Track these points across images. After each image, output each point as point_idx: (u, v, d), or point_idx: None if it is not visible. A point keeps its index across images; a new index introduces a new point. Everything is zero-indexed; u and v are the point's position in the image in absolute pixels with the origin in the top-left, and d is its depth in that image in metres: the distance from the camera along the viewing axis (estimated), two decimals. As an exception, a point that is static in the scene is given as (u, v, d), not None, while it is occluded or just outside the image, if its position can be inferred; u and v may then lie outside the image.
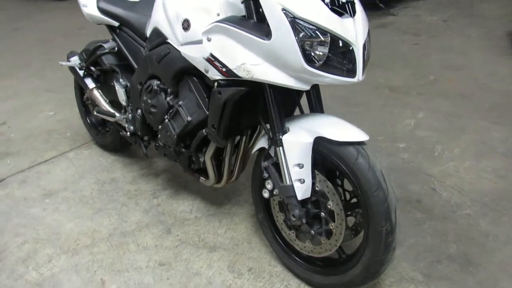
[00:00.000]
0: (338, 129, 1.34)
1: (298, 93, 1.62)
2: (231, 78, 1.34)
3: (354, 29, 1.25)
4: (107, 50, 2.00)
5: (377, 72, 3.46)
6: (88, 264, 1.74)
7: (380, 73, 3.47)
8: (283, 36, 1.18)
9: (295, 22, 1.16)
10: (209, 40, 1.35)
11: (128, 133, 1.95)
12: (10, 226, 1.98)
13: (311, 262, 1.54)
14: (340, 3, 1.25)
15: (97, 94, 2.11)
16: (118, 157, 2.48)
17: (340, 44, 1.22)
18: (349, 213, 1.42)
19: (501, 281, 1.55)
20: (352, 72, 1.26)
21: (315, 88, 1.52)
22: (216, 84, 1.41)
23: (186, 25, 1.46)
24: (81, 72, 2.16)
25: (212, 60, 1.36)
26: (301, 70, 1.21)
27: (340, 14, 1.24)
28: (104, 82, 2.12)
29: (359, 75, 1.27)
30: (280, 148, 1.38)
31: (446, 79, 3.26)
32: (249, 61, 1.27)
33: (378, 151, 2.37)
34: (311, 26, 1.18)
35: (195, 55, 1.43)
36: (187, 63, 1.49)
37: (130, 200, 2.12)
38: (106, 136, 2.42)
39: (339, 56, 1.23)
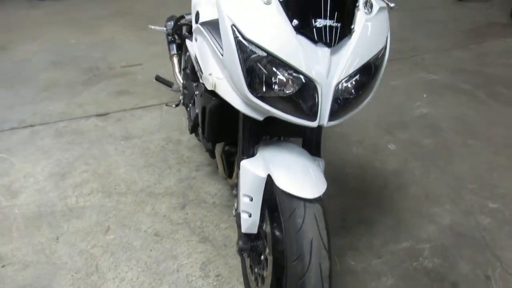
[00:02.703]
0: (292, 174, 1.13)
1: None
2: None
3: (326, 62, 0.99)
4: (186, 22, 2.07)
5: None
6: (109, 210, 1.98)
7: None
8: (230, 55, 1.03)
9: (241, 43, 0.99)
10: (196, 40, 1.28)
11: (174, 105, 2.05)
12: (87, 154, 2.39)
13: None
14: (317, 27, 0.99)
15: (174, 60, 2.25)
16: (196, 121, 2.63)
17: (299, 78, 0.99)
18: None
19: None
20: (311, 115, 1.02)
21: None
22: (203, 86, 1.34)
23: (197, 18, 1.40)
24: (169, 38, 2.32)
25: (196, 61, 1.29)
26: (245, 97, 1.05)
27: (316, 41, 1.00)
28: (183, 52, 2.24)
29: (323, 120, 1.03)
30: (239, 171, 1.25)
31: None
32: (215, 73, 1.16)
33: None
34: (260, 52, 0.98)
35: (191, 51, 1.37)
36: None
37: (178, 165, 2.26)
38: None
39: (295, 92, 1.00)
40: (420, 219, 1.84)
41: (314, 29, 0.99)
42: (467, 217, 1.84)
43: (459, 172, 2.11)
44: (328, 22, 1.00)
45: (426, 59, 3.35)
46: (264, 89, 1.01)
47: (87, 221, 1.92)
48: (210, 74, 1.18)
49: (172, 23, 2.35)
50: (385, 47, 1.12)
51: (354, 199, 1.99)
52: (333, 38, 1.01)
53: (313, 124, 1.03)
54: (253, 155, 1.25)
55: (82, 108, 2.86)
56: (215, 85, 1.17)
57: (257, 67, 1.00)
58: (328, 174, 2.12)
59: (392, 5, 1.34)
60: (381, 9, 1.12)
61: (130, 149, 2.42)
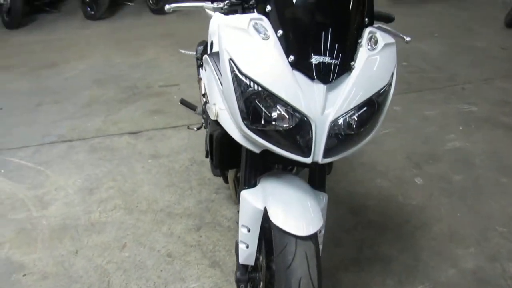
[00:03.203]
0: (287, 208, 1.11)
1: None
2: None
3: (322, 98, 0.99)
4: (213, 48, 2.13)
5: None
6: (128, 226, 2.04)
7: None
8: (227, 88, 1.05)
9: (238, 76, 1.01)
10: (205, 70, 1.31)
11: (195, 128, 2.09)
12: (115, 171, 2.49)
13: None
14: (314, 63, 0.99)
15: (201, 84, 2.30)
16: (222, 143, 2.67)
17: (293, 114, 0.99)
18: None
19: None
20: (304, 151, 1.01)
21: None
22: (212, 114, 1.37)
23: (211, 47, 1.44)
24: (198, 62, 2.38)
25: (206, 90, 1.33)
26: (240, 129, 1.06)
27: (313, 77, 1.00)
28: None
29: (317, 157, 1.02)
30: (239, 201, 1.25)
31: None
32: (218, 103, 1.19)
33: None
34: (255, 86, 1.00)
35: (203, 80, 1.41)
36: None
37: (199, 186, 2.30)
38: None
39: (289, 127, 1.00)
40: (440, 261, 1.74)
41: (311, 65, 1.00)
42: (492, 262, 1.72)
43: (489, 212, 1.98)
44: (325, 59, 1.00)
45: (466, 89, 3.21)
46: (258, 123, 1.02)
47: (106, 237, 1.99)
48: (214, 104, 1.21)
49: (202, 48, 2.42)
50: (390, 84, 1.10)
51: (372, 233, 1.92)
52: (330, 75, 1.00)
53: (307, 160, 1.02)
54: (254, 185, 1.25)
55: (117, 126, 2.99)
56: (217, 115, 1.19)
57: (252, 101, 1.01)
58: (348, 205, 2.10)
59: (408, 39, 1.32)
60: (387, 45, 1.10)
61: (156, 167, 2.49)
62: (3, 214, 2.17)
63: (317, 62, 1.00)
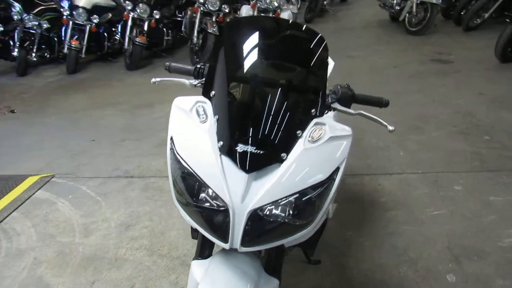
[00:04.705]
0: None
1: None
2: None
3: (242, 187, 0.99)
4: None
5: None
6: (143, 268, 2.18)
7: None
8: (168, 162, 1.12)
9: (173, 154, 1.08)
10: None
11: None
12: (155, 211, 2.68)
13: None
14: (238, 151, 1.01)
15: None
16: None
17: (216, 198, 1.01)
18: None
19: None
20: (223, 236, 1.02)
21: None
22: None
23: None
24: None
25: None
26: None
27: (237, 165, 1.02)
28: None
29: (235, 244, 1.02)
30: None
31: None
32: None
33: None
34: (186, 165, 1.05)
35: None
36: None
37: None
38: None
39: (211, 210, 1.02)
40: None
41: (235, 153, 1.02)
42: None
43: (526, 335, 1.63)
44: (250, 149, 1.01)
45: (555, 175, 2.73)
46: (185, 200, 1.06)
47: (122, 274, 2.14)
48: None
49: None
50: (331, 179, 1.04)
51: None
52: (254, 165, 1.00)
53: (225, 246, 1.02)
54: (208, 256, 1.26)
55: (174, 168, 3.23)
56: None
57: (184, 178, 1.06)
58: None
59: (390, 128, 1.25)
60: (334, 138, 1.06)
61: (190, 214, 2.62)
62: (53, 235, 2.50)
63: (241, 150, 1.01)
